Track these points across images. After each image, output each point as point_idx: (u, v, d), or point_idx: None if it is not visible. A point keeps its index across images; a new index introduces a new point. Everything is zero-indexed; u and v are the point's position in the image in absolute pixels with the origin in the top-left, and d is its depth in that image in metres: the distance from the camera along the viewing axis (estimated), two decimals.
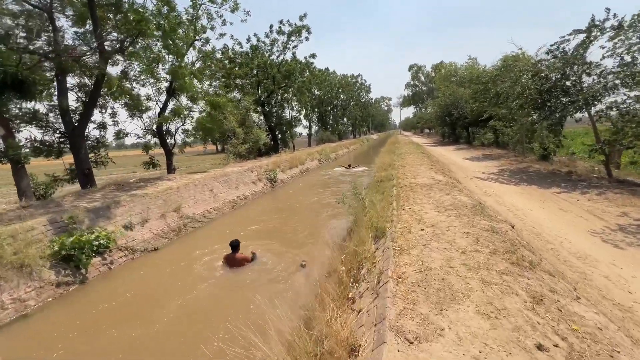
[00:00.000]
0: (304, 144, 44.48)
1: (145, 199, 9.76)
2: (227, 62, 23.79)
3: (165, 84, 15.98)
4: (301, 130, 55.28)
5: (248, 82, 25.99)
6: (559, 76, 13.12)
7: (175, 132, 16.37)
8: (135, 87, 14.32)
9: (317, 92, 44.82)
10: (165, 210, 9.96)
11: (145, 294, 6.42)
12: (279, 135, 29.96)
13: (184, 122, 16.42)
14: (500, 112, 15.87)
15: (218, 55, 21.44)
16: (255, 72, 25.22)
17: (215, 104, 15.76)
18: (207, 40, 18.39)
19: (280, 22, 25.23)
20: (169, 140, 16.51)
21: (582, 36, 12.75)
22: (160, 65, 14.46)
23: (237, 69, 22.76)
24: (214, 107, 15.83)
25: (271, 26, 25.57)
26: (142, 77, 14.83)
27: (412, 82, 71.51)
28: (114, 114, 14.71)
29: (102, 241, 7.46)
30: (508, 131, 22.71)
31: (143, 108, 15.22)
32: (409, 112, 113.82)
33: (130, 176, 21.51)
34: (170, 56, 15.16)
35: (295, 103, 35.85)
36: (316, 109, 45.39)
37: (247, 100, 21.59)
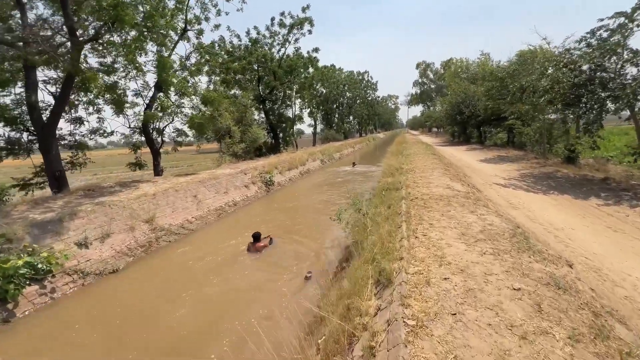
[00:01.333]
0: (309, 142, 42.87)
1: (111, 209, 8.28)
2: (225, 55, 22.25)
3: (154, 78, 14.57)
4: (306, 128, 53.76)
5: (248, 78, 24.47)
6: (593, 67, 11.21)
7: (163, 130, 14.93)
8: (118, 81, 12.84)
9: (322, 90, 43.13)
10: (134, 222, 8.46)
11: (87, 337, 4.90)
12: (281, 134, 28.39)
13: (173, 119, 14.98)
14: (523, 109, 13.94)
15: (216, 48, 19.89)
16: (255, 67, 23.66)
17: (207, 99, 14.25)
18: (200, 32, 16.92)
19: (282, 14, 23.60)
20: (157, 139, 15.10)
21: (623, 20, 10.84)
22: (143, 56, 12.99)
23: (235, 63, 21.18)
24: (205, 102, 14.32)
25: (272, 19, 23.97)
26: (124, 69, 13.41)
27: (420, 80, 68.93)
28: (98, 111, 13.37)
29: (40, 265, 5.98)
30: (527, 130, 20.79)
31: (127, 104, 13.84)
32: (417, 110, 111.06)
33: (127, 176, 20.26)
34: (155, 47, 13.72)
35: (299, 100, 34.26)
36: (321, 107, 43.67)
37: (245, 97, 20.02)
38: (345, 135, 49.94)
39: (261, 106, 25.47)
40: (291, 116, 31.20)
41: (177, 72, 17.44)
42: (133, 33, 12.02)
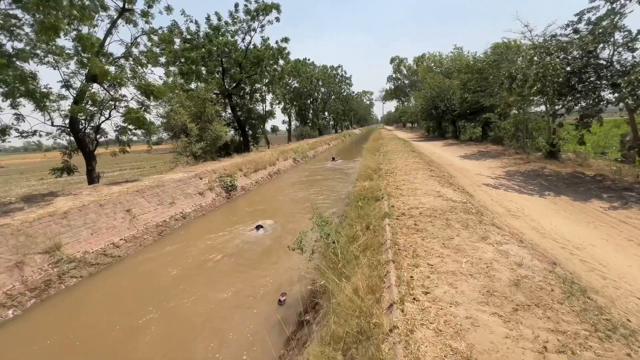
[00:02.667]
0: (284, 139, 40.57)
1: None
2: (182, 42, 19.49)
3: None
4: (282, 125, 51.48)
5: (210, 70, 21.81)
6: (584, 54, 10.04)
7: (99, 128, 12.27)
8: (19, 65, 10.06)
9: (295, 84, 40.90)
10: (25, 254, 6.10)
11: None
12: (250, 131, 26.01)
13: (110, 115, 12.33)
14: (510, 99, 12.69)
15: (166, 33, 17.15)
16: (219, 58, 21.07)
17: (149, 91, 11.77)
18: (145, 14, 14.27)
19: None
20: (93, 139, 12.41)
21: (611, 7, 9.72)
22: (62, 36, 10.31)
23: (193, 53, 18.54)
24: (147, 95, 11.84)
25: (236, 5, 21.46)
26: (44, 54, 10.72)
27: (394, 75, 68.17)
28: (14, 106, 10.62)
29: None
30: (504, 124, 19.97)
31: (52, 97, 11.15)
32: (391, 106, 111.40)
33: (78, 180, 17.24)
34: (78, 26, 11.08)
35: (270, 95, 31.89)
36: (295, 102, 41.44)
37: (205, 89, 17.51)
38: (320, 132, 48.06)
39: (226, 101, 23.02)
40: (261, 112, 28.85)
41: (120, 60, 14.83)
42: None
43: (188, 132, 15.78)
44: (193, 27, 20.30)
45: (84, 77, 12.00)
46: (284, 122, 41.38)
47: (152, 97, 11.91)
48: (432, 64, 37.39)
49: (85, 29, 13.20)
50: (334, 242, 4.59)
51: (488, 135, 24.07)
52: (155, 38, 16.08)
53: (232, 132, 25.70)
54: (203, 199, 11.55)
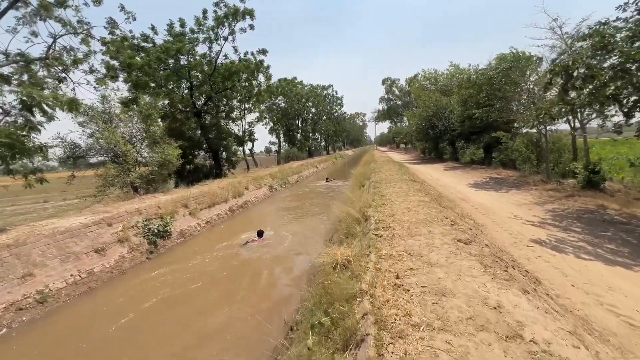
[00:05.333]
0: (275, 161, 36.72)
1: None
2: (135, 50, 15.97)
3: None
4: (271, 146, 47.81)
5: (160, 81, 18.10)
6: None
7: None
8: None
9: (282, 104, 37.75)
10: None
11: None
12: (224, 154, 22.17)
13: None
14: (553, 112, 9.04)
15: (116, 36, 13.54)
16: (183, 71, 17.60)
17: (30, 103, 7.86)
18: (61, 3, 10.77)
19: (216, 4, 17.99)
20: None
21: None
22: None
23: (138, 60, 14.96)
24: (28, 108, 7.91)
25: (205, 11, 18.28)
26: None
27: (386, 96, 65.98)
28: None
29: None
30: (516, 145, 16.50)
31: None
32: (384, 127, 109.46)
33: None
34: None
35: (255, 114, 28.39)
36: (283, 123, 38.09)
37: (147, 103, 13.76)
38: (310, 153, 44.50)
39: (195, 119, 19.38)
40: (239, 132, 25.16)
41: (38, 64, 11.18)
42: None
43: (122, 157, 11.84)
44: (149, 33, 16.92)
45: None
46: (271, 142, 37.95)
47: (38, 112, 7.98)
48: (427, 82, 34.56)
49: None
50: None
51: (492, 157, 20.61)
52: (99, 44, 12.61)
53: (202, 154, 21.92)
54: (101, 259, 7.42)
